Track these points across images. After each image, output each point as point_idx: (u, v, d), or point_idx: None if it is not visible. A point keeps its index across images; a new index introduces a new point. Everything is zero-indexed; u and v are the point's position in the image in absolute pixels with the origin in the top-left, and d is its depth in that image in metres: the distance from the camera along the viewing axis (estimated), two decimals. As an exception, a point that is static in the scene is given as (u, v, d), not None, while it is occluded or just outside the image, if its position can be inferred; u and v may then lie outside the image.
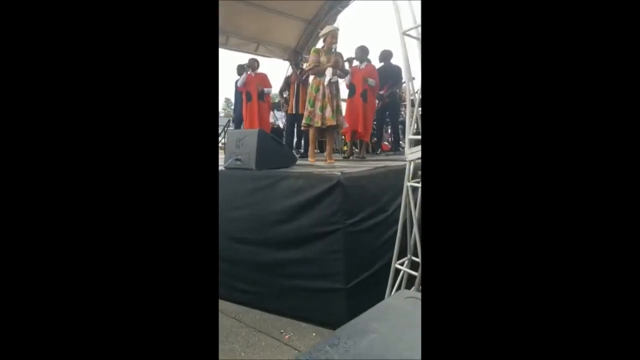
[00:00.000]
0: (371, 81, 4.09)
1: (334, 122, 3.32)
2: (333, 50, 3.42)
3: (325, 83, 3.33)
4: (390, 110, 4.98)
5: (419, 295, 0.65)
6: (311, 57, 3.50)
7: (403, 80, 4.27)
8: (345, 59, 4.12)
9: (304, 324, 2.36)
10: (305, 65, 4.24)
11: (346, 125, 3.46)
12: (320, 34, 3.61)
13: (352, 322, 0.57)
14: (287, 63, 6.05)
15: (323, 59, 3.39)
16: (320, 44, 3.60)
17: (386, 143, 5.64)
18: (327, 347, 0.51)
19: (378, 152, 5.20)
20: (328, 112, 3.31)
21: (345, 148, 4.97)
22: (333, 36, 3.43)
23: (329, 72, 3.31)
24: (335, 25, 6.12)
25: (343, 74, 3.52)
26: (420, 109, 2.33)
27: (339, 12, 6.07)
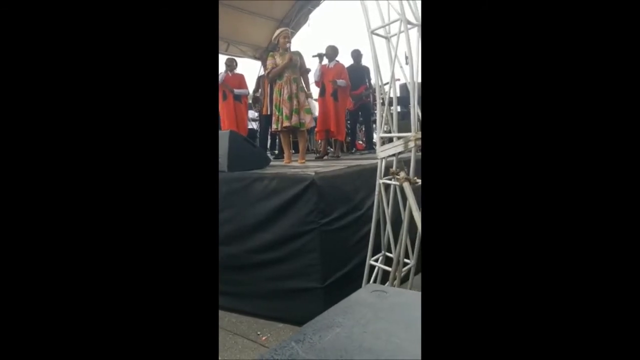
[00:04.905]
0: (341, 82, 4.11)
1: (287, 124, 3.29)
2: (287, 50, 3.39)
3: (283, 83, 3.31)
4: (363, 110, 5.03)
5: (386, 288, 0.66)
6: (268, 62, 3.48)
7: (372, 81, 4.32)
8: (316, 53, 4.13)
9: (280, 325, 2.35)
10: (264, 71, 4.23)
11: (309, 123, 3.40)
12: (273, 37, 3.59)
13: (319, 317, 0.58)
14: (259, 63, 6.01)
15: (279, 60, 3.36)
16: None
17: (360, 142, 5.69)
18: (293, 343, 0.52)
19: (353, 151, 5.25)
20: (284, 112, 3.29)
21: (319, 148, 4.99)
22: (284, 36, 3.41)
23: (286, 72, 3.31)
24: (307, 23, 6.13)
25: (303, 71, 3.49)
26: (391, 107, 2.37)
27: (310, 11, 6.08)
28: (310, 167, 3.05)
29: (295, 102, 3.31)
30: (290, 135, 3.71)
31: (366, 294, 0.66)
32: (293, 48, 3.48)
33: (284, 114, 3.30)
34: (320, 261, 2.38)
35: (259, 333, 2.26)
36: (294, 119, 3.29)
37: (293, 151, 3.90)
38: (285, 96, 3.31)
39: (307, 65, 3.70)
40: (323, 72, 4.14)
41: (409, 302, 0.64)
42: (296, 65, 3.37)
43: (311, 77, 4.00)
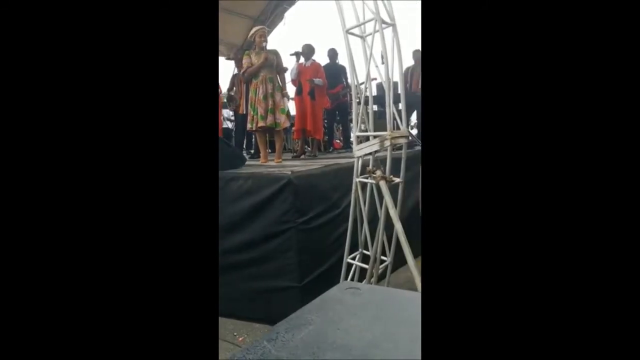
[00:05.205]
0: (318, 81, 4.12)
1: (262, 124, 3.26)
2: (264, 49, 3.35)
3: (259, 83, 3.28)
4: (340, 109, 5.05)
5: (359, 285, 0.66)
6: (244, 61, 3.43)
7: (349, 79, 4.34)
8: (294, 52, 4.12)
9: (257, 325, 2.33)
10: (239, 70, 4.19)
11: (284, 123, 3.39)
12: (249, 35, 3.55)
13: (292, 315, 0.57)
14: (231, 62, 5.92)
15: (254, 59, 3.32)
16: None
17: (338, 141, 5.72)
18: (265, 342, 0.51)
19: (330, 150, 5.26)
20: (259, 112, 3.26)
21: (296, 147, 4.98)
22: (261, 35, 3.36)
23: (262, 71, 3.27)
24: (283, 22, 6.09)
25: (280, 70, 3.47)
26: (367, 106, 2.39)
27: (285, 9, 6.05)
28: (286, 166, 3.03)
29: (270, 102, 3.28)
30: (267, 135, 3.68)
31: (340, 291, 0.66)
32: (269, 47, 3.45)
33: (259, 114, 3.27)
34: (297, 260, 2.37)
35: (235, 334, 2.24)
36: (269, 119, 3.26)
37: (269, 150, 3.87)
38: (261, 96, 3.27)
39: (285, 64, 3.68)
40: (300, 70, 4.13)
41: (381, 298, 0.64)
42: (272, 64, 3.34)
43: (288, 76, 3.98)
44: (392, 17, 2.11)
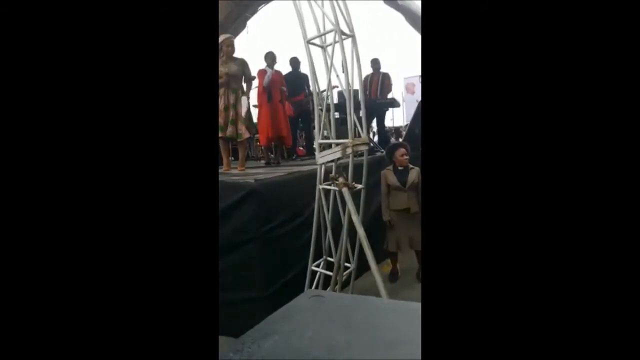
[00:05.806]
0: (283, 88, 4.18)
1: (221, 135, 3.21)
2: (231, 58, 3.30)
3: (221, 93, 3.22)
4: (303, 116, 5.09)
5: (323, 292, 0.68)
6: None
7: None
8: (270, 59, 4.11)
9: (223, 338, 2.27)
10: None
11: (245, 133, 3.34)
12: None
13: (257, 326, 0.58)
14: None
15: (222, 69, 3.23)
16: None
17: (301, 148, 5.74)
18: (231, 354, 0.51)
19: (294, 157, 5.27)
20: (219, 123, 3.20)
21: (260, 154, 4.95)
22: (228, 44, 3.28)
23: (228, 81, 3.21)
24: (246, 30, 6.07)
25: (247, 79, 3.42)
26: (329, 114, 2.43)
27: (247, 18, 6.05)
28: (250, 174, 3.01)
29: (232, 113, 3.21)
30: (230, 143, 3.63)
31: (304, 300, 0.67)
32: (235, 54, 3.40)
33: (218, 125, 3.22)
34: (261, 270, 2.36)
35: (199, 348, 2.17)
36: (230, 130, 3.21)
37: (232, 158, 3.82)
38: (221, 107, 3.22)
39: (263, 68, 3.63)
40: (273, 79, 4.14)
41: (344, 305, 0.66)
42: (236, 75, 3.29)
43: (255, 82, 3.96)
44: (351, 29, 2.17)
